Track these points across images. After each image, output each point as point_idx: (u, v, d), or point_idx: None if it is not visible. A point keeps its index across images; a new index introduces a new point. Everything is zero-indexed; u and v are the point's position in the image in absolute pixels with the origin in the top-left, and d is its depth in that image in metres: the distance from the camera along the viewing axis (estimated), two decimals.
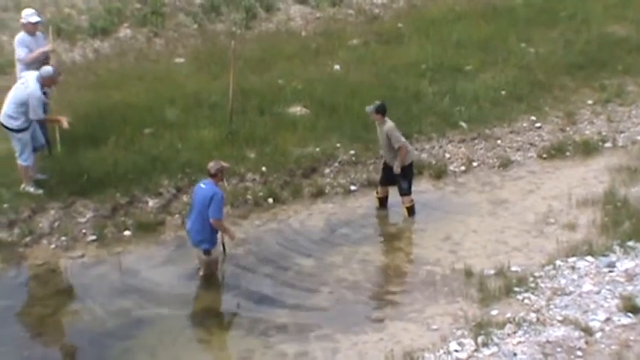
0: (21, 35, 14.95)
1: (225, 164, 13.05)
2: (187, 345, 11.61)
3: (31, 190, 14.27)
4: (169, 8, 21.16)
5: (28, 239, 13.71)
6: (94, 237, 13.89)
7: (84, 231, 13.98)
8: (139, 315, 12.22)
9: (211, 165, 12.81)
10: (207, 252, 12.83)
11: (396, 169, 14.28)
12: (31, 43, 14.81)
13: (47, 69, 14.10)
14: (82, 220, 14.13)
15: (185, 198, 14.75)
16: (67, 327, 12.22)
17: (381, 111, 14.28)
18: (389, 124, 14.29)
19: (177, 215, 14.47)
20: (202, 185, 12.77)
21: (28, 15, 14.90)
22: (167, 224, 14.36)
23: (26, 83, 13.97)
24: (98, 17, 20.35)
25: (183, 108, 16.89)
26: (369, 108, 14.38)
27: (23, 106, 13.84)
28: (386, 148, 14.39)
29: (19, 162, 14.18)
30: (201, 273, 13.00)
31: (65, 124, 14.21)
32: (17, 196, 14.20)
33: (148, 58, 19.63)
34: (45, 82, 13.99)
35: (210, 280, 13.01)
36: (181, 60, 19.56)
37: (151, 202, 14.64)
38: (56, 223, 13.98)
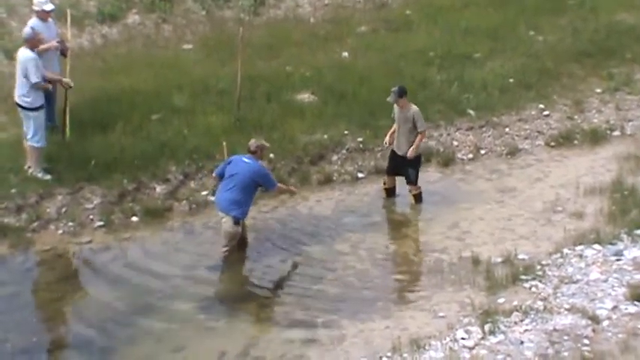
0: (33, 21, 14.96)
1: (266, 144, 13.43)
2: (194, 331, 11.62)
3: (39, 175, 14.28)
4: None
5: (35, 225, 13.74)
6: (101, 223, 13.92)
7: (91, 217, 14.00)
8: (145, 301, 12.25)
9: (252, 142, 13.20)
10: (236, 220, 12.89)
11: (411, 153, 14.21)
12: (43, 29, 14.76)
13: (24, 30, 14.33)
14: (90, 205, 14.15)
15: (192, 184, 14.78)
16: (75, 312, 12.23)
17: (404, 94, 14.24)
18: (415, 107, 14.27)
19: (184, 201, 14.49)
20: (245, 160, 13.03)
21: (42, 2, 14.88)
22: (174, 210, 14.38)
23: (19, 56, 14.22)
24: (106, 3, 20.34)
25: (191, 94, 16.88)
26: (392, 97, 14.29)
27: (27, 78, 13.99)
28: (405, 133, 14.30)
29: (31, 144, 14.20)
30: (222, 247, 13.06)
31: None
32: (25, 182, 14.23)
33: (156, 45, 19.62)
34: (30, 45, 14.08)
35: (226, 259, 13.09)
36: (189, 46, 19.55)
37: (158, 188, 14.65)
38: (64, 209, 14.01)
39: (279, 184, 13.50)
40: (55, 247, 13.43)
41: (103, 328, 11.72)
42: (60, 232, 13.71)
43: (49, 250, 13.36)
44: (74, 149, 14.79)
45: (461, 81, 17.93)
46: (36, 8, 14.99)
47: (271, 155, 15.16)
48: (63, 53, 15.07)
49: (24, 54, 14.07)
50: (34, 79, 13.92)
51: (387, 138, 14.68)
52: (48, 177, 14.32)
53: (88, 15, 19.92)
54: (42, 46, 14.49)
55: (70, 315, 12.21)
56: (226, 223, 12.94)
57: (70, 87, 14.68)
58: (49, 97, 14.78)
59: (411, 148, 14.22)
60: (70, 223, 13.81)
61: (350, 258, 13.28)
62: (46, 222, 13.82)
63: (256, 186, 13.14)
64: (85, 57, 18.15)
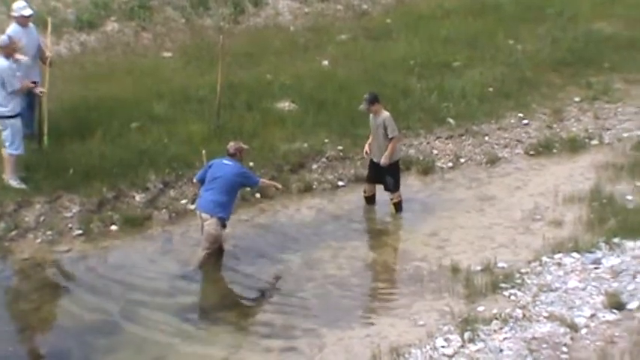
0: (12, 27, 14.89)
1: (244, 145, 13.54)
2: (173, 341, 11.57)
3: (15, 184, 14.21)
4: (157, 2, 21.11)
5: (13, 233, 13.67)
6: (80, 231, 13.86)
7: (70, 225, 13.94)
8: (125, 310, 12.19)
9: (231, 145, 13.33)
10: (222, 221, 12.96)
11: (384, 161, 14.23)
12: (23, 35, 14.72)
13: (1, 38, 14.20)
14: (68, 214, 14.09)
15: (172, 193, 14.74)
16: (53, 322, 12.18)
17: (375, 100, 14.25)
18: (386, 113, 14.27)
19: (164, 210, 14.45)
20: (226, 162, 13.12)
21: (21, 8, 14.85)
22: (154, 219, 14.34)
23: None
24: (85, 10, 20.29)
25: (171, 102, 16.87)
26: (363, 105, 14.33)
27: (3, 86, 13.90)
28: (379, 140, 14.31)
29: (8, 151, 14.13)
30: (201, 255, 13.02)
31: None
32: (3, 190, 14.15)
33: (135, 52, 19.60)
34: (6, 52, 14.01)
35: (206, 266, 13.06)
36: (169, 54, 19.53)
37: (137, 197, 14.61)
38: (42, 218, 13.94)
39: (261, 179, 13.77)
40: (34, 256, 13.35)
41: (81, 337, 11.64)
42: (38, 240, 13.64)
43: (28, 259, 13.27)
44: (52, 157, 14.74)
45: (441, 90, 17.99)
46: (14, 14, 14.94)
47: (251, 163, 15.14)
48: (43, 60, 15.02)
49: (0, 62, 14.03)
50: (10, 88, 13.89)
51: (366, 147, 14.68)
52: (23, 186, 14.24)
53: (66, 22, 19.85)
54: (19, 56, 14.44)
55: (48, 324, 12.14)
56: (210, 225, 12.93)
57: (43, 93, 14.63)
58: (31, 105, 14.74)
59: (384, 155, 14.22)
60: (49, 232, 13.75)
61: (330, 266, 13.27)
62: (25, 231, 13.74)
63: (239, 187, 13.25)
64: (64, 65, 18.08)
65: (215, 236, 12.99)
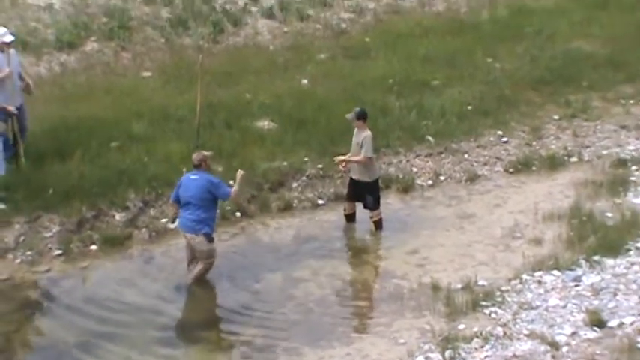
0: None
1: (207, 153, 13.40)
2: None
3: None
4: (136, 22, 21.11)
5: None
6: (60, 251, 13.79)
7: (50, 245, 13.87)
8: (105, 330, 12.12)
9: (195, 156, 13.17)
10: (208, 236, 12.92)
11: (356, 158, 14.31)
12: (3, 60, 14.67)
13: None
14: (48, 234, 14.02)
15: (152, 212, 14.70)
16: (32, 343, 12.09)
17: (363, 117, 14.32)
18: (368, 132, 14.31)
19: (144, 229, 14.41)
20: (193, 177, 12.99)
21: (1, 35, 14.75)
22: (134, 238, 14.29)
23: None
24: (64, 31, 20.25)
25: (151, 122, 16.84)
26: (350, 115, 14.38)
27: None
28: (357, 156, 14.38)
29: None
30: (198, 269, 13.02)
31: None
32: None
33: (115, 72, 19.56)
34: None
35: (200, 282, 13.06)
36: (149, 74, 19.50)
37: (117, 216, 14.56)
38: (22, 238, 13.86)
39: (232, 190, 13.26)
40: (13, 277, 13.26)
41: (61, 358, 11.58)
42: (18, 261, 13.56)
43: (7, 280, 13.18)
44: (32, 178, 14.68)
45: (420, 108, 18.03)
46: None
47: (231, 182, 15.11)
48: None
49: None
50: None
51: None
52: (3, 206, 14.18)
53: (46, 43, 19.81)
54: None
55: (28, 346, 12.05)
56: (199, 243, 12.91)
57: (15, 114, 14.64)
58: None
59: (345, 157, 14.38)
60: (28, 252, 13.67)
61: (310, 284, 13.26)
62: (4, 251, 13.65)
63: (214, 198, 13.05)
64: (44, 85, 18.02)
65: (207, 251, 13.00)
